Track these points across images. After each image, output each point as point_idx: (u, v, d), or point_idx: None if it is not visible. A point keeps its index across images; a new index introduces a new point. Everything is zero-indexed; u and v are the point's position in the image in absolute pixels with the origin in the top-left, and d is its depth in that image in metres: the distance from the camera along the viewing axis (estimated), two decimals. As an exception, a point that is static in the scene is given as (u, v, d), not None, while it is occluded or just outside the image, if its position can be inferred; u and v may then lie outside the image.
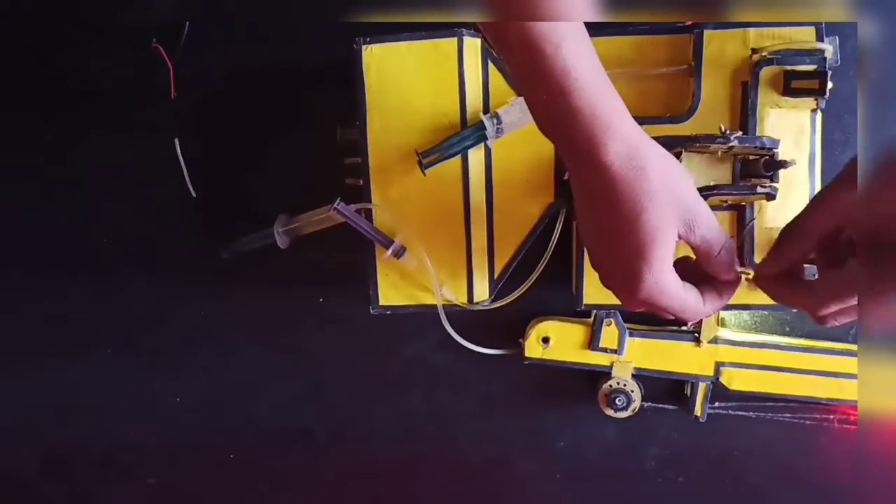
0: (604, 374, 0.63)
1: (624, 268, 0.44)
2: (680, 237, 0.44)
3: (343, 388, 0.69)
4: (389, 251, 0.57)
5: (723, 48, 0.55)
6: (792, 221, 0.46)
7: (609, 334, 0.61)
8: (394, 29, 0.56)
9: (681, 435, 0.66)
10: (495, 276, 0.60)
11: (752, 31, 0.55)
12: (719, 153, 0.50)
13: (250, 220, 0.64)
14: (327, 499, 0.71)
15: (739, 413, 0.64)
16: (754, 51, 0.54)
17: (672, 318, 0.47)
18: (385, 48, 0.56)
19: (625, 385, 0.62)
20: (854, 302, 0.42)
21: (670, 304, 0.45)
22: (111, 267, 0.69)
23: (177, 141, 0.66)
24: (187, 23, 0.65)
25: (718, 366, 0.61)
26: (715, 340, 0.61)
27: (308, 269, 0.66)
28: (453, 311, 0.59)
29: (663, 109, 0.58)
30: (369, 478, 0.70)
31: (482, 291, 0.60)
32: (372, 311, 0.60)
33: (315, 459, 0.71)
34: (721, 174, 0.51)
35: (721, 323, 0.62)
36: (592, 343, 0.62)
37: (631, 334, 0.62)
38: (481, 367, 0.66)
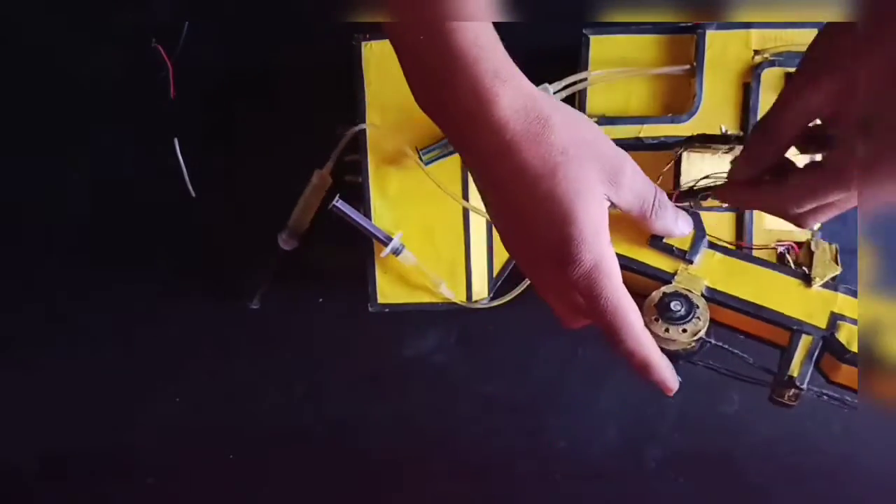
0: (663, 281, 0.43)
1: (548, 241, 0.36)
2: (607, 197, 0.37)
3: (343, 388, 0.69)
4: (388, 248, 0.57)
5: (725, 49, 0.55)
6: (761, 121, 0.39)
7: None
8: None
9: (681, 435, 0.66)
10: (494, 274, 0.60)
11: (754, 32, 0.55)
12: (719, 154, 0.50)
13: (251, 219, 0.64)
14: (327, 499, 0.71)
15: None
16: (756, 52, 0.55)
17: (609, 327, 0.38)
18: (385, 45, 0.55)
19: (687, 293, 0.42)
20: (830, 198, 0.37)
21: (614, 292, 0.37)
22: (111, 267, 0.69)
23: (176, 141, 0.66)
24: (186, 22, 0.65)
25: (835, 318, 0.42)
26: (834, 285, 0.43)
27: (307, 268, 0.66)
28: (452, 310, 0.59)
29: (664, 109, 0.57)
30: (369, 478, 0.70)
31: (481, 289, 0.60)
32: (371, 309, 0.60)
33: (315, 459, 0.71)
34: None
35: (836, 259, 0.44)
36: (654, 236, 0.43)
37: (711, 245, 0.44)
38: (481, 367, 0.66)
